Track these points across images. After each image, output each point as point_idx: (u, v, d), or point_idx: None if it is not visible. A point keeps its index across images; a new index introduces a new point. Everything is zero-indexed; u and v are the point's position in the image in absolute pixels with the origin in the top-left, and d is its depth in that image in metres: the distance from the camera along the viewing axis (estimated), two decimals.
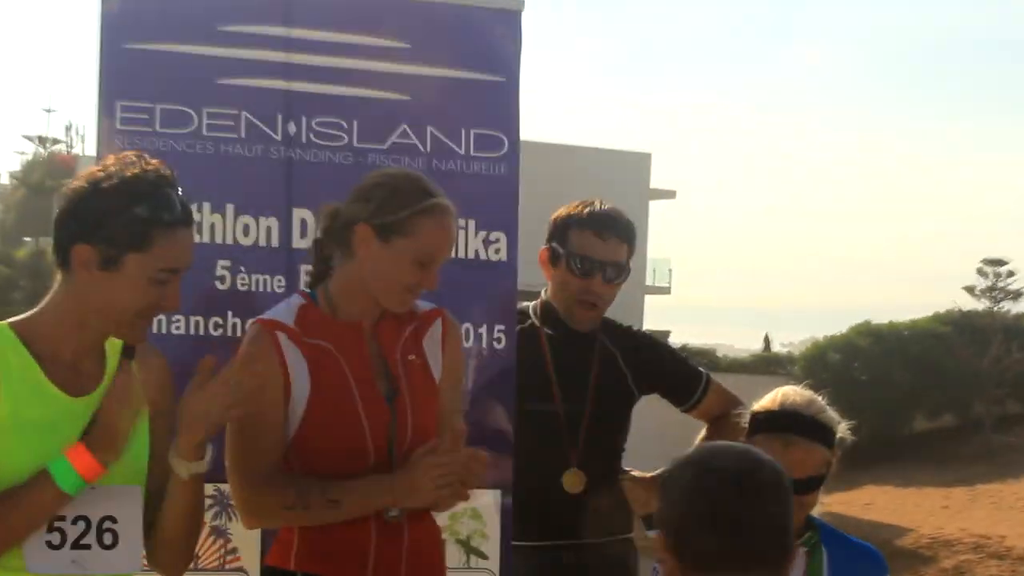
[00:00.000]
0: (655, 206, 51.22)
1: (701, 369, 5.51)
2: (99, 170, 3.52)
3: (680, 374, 5.47)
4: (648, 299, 50.19)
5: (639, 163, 49.47)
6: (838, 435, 4.07)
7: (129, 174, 3.48)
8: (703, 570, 2.91)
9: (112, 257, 3.45)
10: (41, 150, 56.27)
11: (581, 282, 5.19)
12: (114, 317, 3.50)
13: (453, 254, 4.68)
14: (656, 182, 51.81)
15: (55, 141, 58.55)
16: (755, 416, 4.09)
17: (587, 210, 5.24)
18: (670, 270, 58.10)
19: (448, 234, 4.03)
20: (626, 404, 5.36)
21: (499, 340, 4.97)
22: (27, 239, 48.16)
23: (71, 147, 57.71)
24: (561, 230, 5.24)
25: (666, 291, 57.28)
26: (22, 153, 60.44)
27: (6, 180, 59.42)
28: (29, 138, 57.02)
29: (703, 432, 5.39)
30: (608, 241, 5.19)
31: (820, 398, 4.12)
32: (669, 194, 55.00)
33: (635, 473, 5.37)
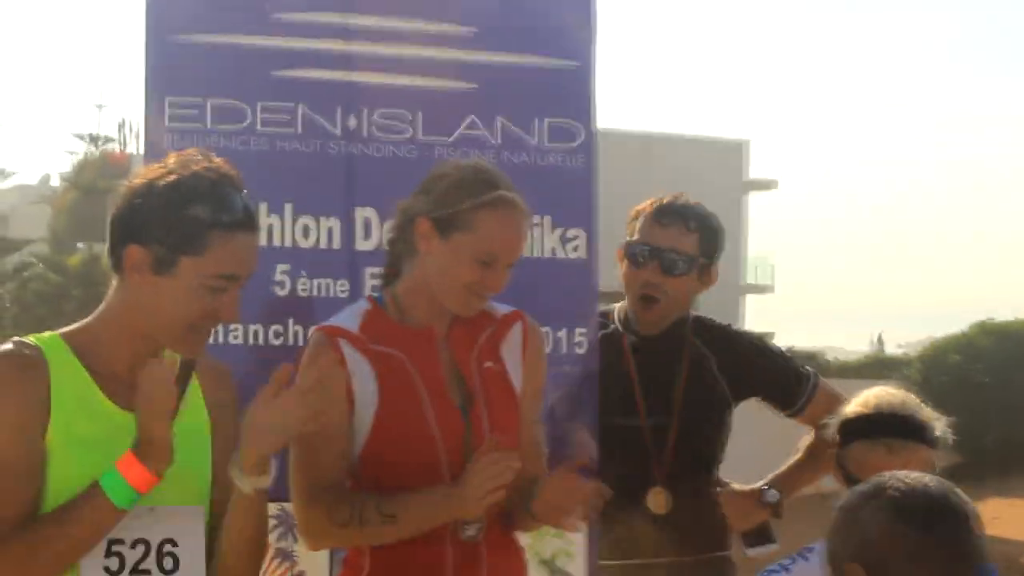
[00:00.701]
0: (754, 198, 51.01)
1: (807, 368, 5.35)
2: (159, 167, 3.48)
3: (783, 376, 5.29)
4: (749, 299, 50.04)
5: (734, 152, 49.19)
6: (938, 433, 4.04)
7: (188, 172, 3.44)
8: None
9: (165, 260, 3.40)
10: (93, 149, 56.12)
11: (638, 273, 5.08)
12: (166, 326, 3.45)
13: (528, 252, 4.69)
14: (755, 172, 51.59)
15: (107, 139, 58.19)
16: (848, 423, 4.07)
17: (663, 203, 5.16)
18: (772, 267, 57.81)
19: (513, 231, 3.91)
20: (719, 414, 5.22)
21: (580, 344, 4.91)
22: (80, 245, 48.50)
23: (124, 145, 57.27)
24: (632, 224, 5.16)
25: (769, 290, 57.04)
26: (72, 153, 60.26)
27: (56, 182, 59.42)
28: (80, 136, 56.92)
29: (807, 439, 5.26)
30: (668, 228, 5.07)
31: (911, 395, 4.12)
32: (770, 184, 54.65)
33: (734, 486, 5.28)
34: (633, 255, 5.08)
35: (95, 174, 54.39)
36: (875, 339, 53.16)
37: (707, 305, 5.30)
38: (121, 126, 57.83)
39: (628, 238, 5.13)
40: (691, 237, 5.09)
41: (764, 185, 53.59)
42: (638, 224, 5.13)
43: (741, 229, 48.35)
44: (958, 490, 2.99)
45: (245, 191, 3.52)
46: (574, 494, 3.80)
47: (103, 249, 3.69)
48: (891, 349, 51.35)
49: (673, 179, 4.97)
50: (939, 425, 4.05)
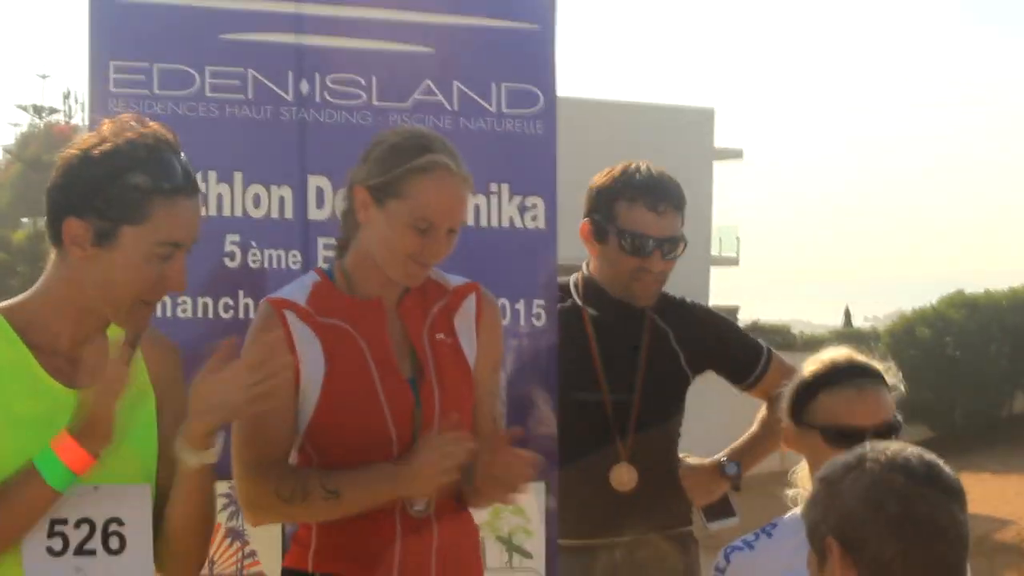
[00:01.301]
0: (719, 168, 51.00)
1: (762, 342, 5.42)
2: (92, 136, 3.48)
3: (738, 349, 5.36)
4: (714, 271, 50.11)
5: (701, 120, 48.81)
6: (893, 380, 4.11)
7: (123, 139, 3.43)
8: None
9: (106, 231, 3.40)
10: (37, 121, 56.07)
11: (637, 261, 5.08)
12: (112, 300, 3.45)
13: (485, 222, 4.82)
14: (720, 141, 51.62)
15: (52, 111, 58.00)
16: (811, 378, 4.07)
17: (637, 178, 5.12)
18: (738, 238, 57.92)
19: (449, 195, 3.89)
20: (680, 388, 5.28)
21: (538, 316, 4.91)
22: (24, 220, 48.42)
23: (70, 117, 57.27)
24: (606, 202, 5.13)
25: (734, 262, 57.22)
26: (16, 125, 60.28)
27: (0, 156, 59.46)
28: (23, 108, 56.72)
29: (762, 411, 5.32)
30: (663, 215, 5.09)
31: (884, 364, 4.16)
32: (735, 154, 54.72)
33: (692, 461, 5.32)
34: (627, 245, 5.07)
35: (40, 147, 54.11)
36: (843, 312, 53.54)
37: (675, 279, 5.29)
38: (66, 96, 57.65)
39: (596, 216, 5.11)
40: (679, 218, 5.15)
41: (730, 155, 53.65)
42: (621, 206, 5.08)
43: (710, 204, 48.56)
44: (942, 463, 2.97)
45: (183, 155, 3.50)
46: (514, 467, 3.81)
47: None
48: (859, 322, 51.84)
49: (640, 148, 4.95)
50: (892, 373, 4.10)
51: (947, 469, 2.95)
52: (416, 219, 3.83)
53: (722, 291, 49.55)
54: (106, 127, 3.48)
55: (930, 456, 2.95)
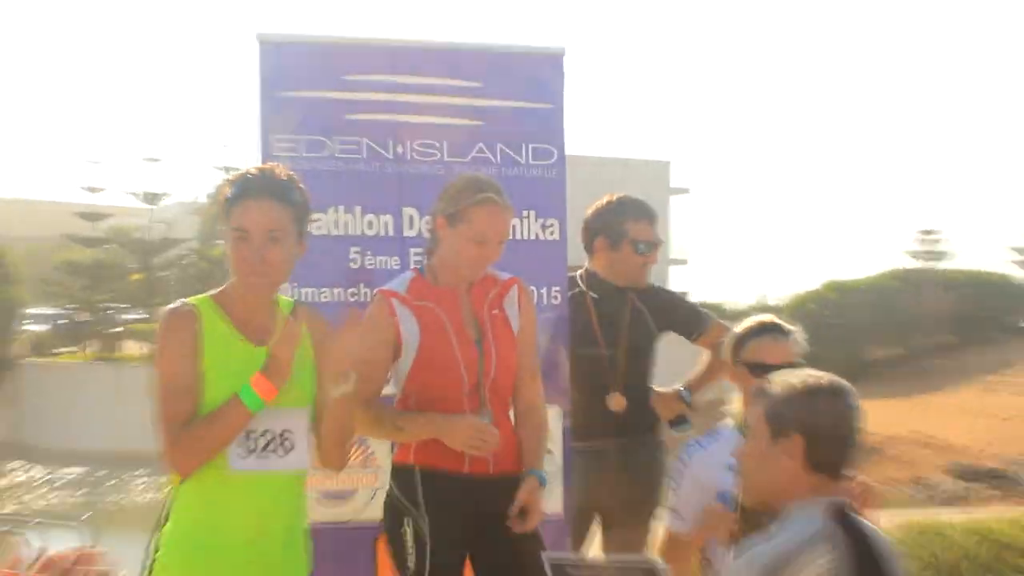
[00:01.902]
0: (674, 199, 50.95)
1: (704, 310, 5.46)
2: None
3: (689, 314, 5.39)
4: (672, 269, 49.88)
5: (660, 168, 49.10)
6: (796, 335, 4.15)
7: (235, 175, 3.53)
8: (824, 472, 2.90)
9: (227, 229, 3.50)
10: (227, 176, 57.19)
11: (644, 259, 5.22)
12: (235, 273, 3.48)
13: (521, 236, 4.81)
14: (674, 182, 51.54)
15: (234, 169, 59.82)
16: (743, 334, 4.12)
17: (635, 205, 5.28)
18: (686, 247, 57.67)
19: (497, 219, 3.92)
20: (651, 341, 5.28)
21: (555, 297, 4.93)
22: (219, 241, 48.66)
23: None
24: (617, 221, 5.21)
25: (685, 263, 56.80)
26: (212, 179, 61.47)
27: (203, 199, 60.50)
28: (217, 168, 57.59)
29: (705, 356, 5.33)
30: (654, 225, 5.27)
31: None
32: (684, 191, 54.48)
33: (660, 389, 5.34)
34: (639, 249, 5.19)
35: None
36: (757, 295, 53.40)
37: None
38: (243, 161, 58.94)
39: (608, 233, 5.19)
40: (656, 227, 5.30)
41: (681, 191, 53.53)
42: (630, 223, 5.19)
43: (667, 226, 48.54)
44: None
45: (270, 175, 3.47)
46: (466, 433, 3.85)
47: None
48: (770, 301, 51.50)
49: (620, 188, 5.00)
50: (799, 333, 4.14)
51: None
52: (476, 236, 3.87)
53: (677, 282, 49.31)
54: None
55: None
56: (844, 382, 3.04)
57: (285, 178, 3.48)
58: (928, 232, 48.44)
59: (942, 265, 48.39)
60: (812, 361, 4.04)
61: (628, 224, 5.19)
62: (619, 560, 3.89)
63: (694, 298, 5.40)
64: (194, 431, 3.34)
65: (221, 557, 3.38)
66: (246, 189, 3.41)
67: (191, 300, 3.51)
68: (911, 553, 9.36)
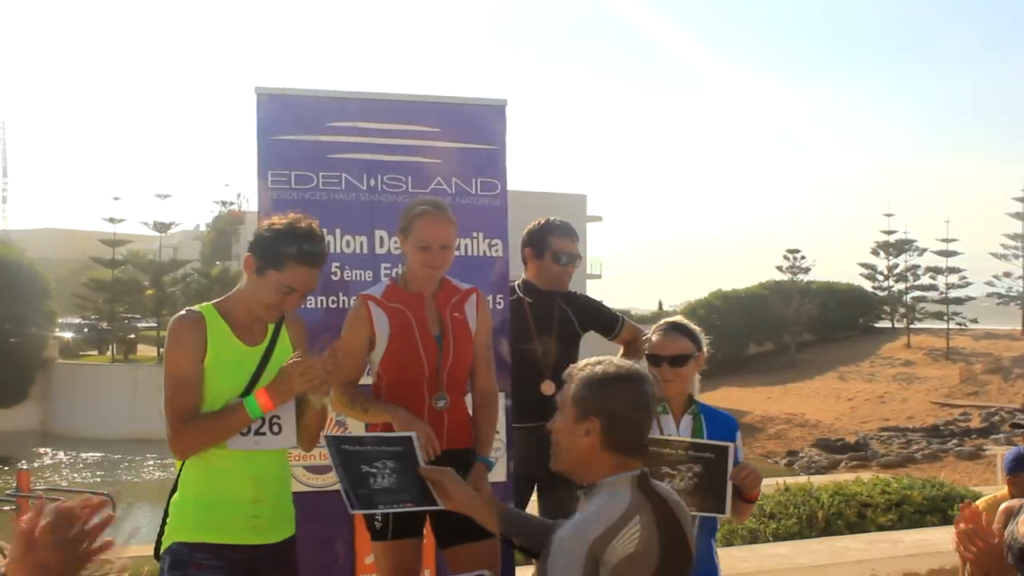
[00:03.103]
0: (590, 226, 51.29)
1: (619, 314, 5.47)
2: (276, 218, 3.50)
3: (606, 318, 5.40)
4: (589, 282, 50.18)
5: (578, 201, 49.44)
6: (700, 339, 3.97)
7: (290, 222, 3.44)
8: (622, 452, 2.73)
9: (261, 268, 3.41)
10: (223, 209, 57.57)
11: (562, 269, 5.23)
12: (257, 304, 3.44)
13: (472, 253, 4.76)
14: (590, 211, 52.02)
15: (230, 203, 60.55)
16: (653, 331, 3.99)
17: (558, 224, 5.27)
18: (601, 264, 58.09)
19: (433, 227, 3.85)
20: (576, 337, 5.26)
21: (500, 303, 4.89)
22: (217, 263, 48.48)
23: (240, 206, 60.14)
24: (542, 237, 5.23)
25: (599, 277, 57.20)
26: (211, 211, 62.51)
27: (204, 228, 60.84)
28: (216, 202, 58.57)
29: (622, 350, 5.31)
30: (573, 241, 5.27)
31: (690, 324, 4.03)
32: (598, 218, 55.04)
33: None
34: (560, 260, 5.20)
35: (225, 223, 55.50)
36: (657, 302, 53.98)
37: (572, 284, 5.45)
38: (239, 196, 59.70)
39: (535, 245, 5.20)
40: (576, 243, 5.30)
41: (596, 219, 53.95)
42: (555, 238, 5.20)
43: (585, 246, 48.88)
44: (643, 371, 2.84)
45: (322, 243, 3.47)
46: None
47: (231, 267, 3.43)
48: (667, 307, 52.01)
49: (547, 215, 5.01)
50: (701, 336, 3.98)
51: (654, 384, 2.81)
52: (419, 242, 3.84)
53: (593, 293, 49.74)
54: (288, 216, 3.48)
55: (643, 369, 2.83)
56: (643, 370, 2.82)
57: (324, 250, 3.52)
58: (793, 251, 49.30)
59: (804, 278, 49.07)
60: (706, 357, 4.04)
61: (552, 239, 5.20)
62: (698, 442, 3.73)
63: (608, 306, 5.44)
64: (200, 425, 3.32)
65: (224, 516, 3.37)
66: (303, 256, 3.41)
67: (197, 307, 3.48)
68: (789, 512, 9.51)
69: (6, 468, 29.89)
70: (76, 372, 41.21)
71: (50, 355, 41.99)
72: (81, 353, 45.94)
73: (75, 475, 31.01)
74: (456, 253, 4.01)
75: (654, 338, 3.92)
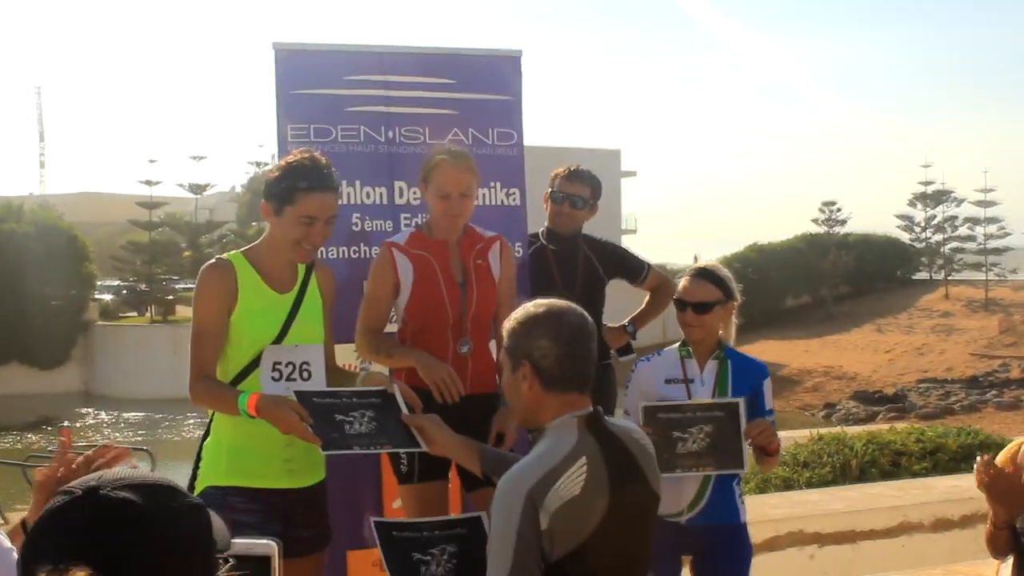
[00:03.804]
0: (625, 182, 50.83)
1: (645, 260, 5.45)
2: (284, 159, 3.57)
3: (632, 264, 5.38)
4: (625, 237, 49.96)
5: (612, 156, 48.76)
6: (730, 286, 3.94)
7: (292, 159, 3.48)
8: (561, 389, 2.67)
9: (278, 208, 3.46)
10: (257, 170, 57.85)
11: (558, 208, 5.16)
12: (284, 244, 3.48)
13: (489, 202, 4.79)
14: (624, 166, 51.37)
15: (264, 164, 61.01)
16: (680, 276, 4.01)
17: (570, 169, 5.21)
18: (636, 219, 57.67)
19: (451, 176, 3.85)
20: (601, 286, 5.25)
21: (518, 251, 4.89)
22: (253, 224, 48.79)
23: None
24: (552, 181, 5.20)
25: (634, 232, 56.92)
26: (247, 172, 62.67)
27: (239, 190, 61.14)
28: (250, 163, 58.74)
29: (648, 297, 5.34)
30: (575, 183, 5.16)
31: (721, 270, 3.99)
32: (632, 173, 54.45)
33: (609, 324, 5.35)
34: (556, 198, 5.13)
35: (259, 185, 55.69)
36: (692, 256, 53.92)
37: (606, 236, 5.44)
38: (272, 157, 59.21)
39: (551, 189, 5.16)
40: (588, 189, 5.17)
41: (630, 174, 53.40)
42: (557, 180, 5.16)
43: (620, 201, 48.57)
44: (572, 305, 2.78)
45: (327, 168, 3.49)
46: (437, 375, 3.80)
47: (266, 225, 3.53)
48: (703, 262, 51.73)
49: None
50: (731, 282, 3.95)
51: (588, 320, 2.75)
52: (438, 191, 3.86)
53: (628, 248, 49.53)
54: (294, 153, 3.55)
55: (581, 312, 2.76)
56: (565, 305, 2.74)
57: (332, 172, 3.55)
58: (829, 203, 48.71)
59: (841, 230, 48.59)
60: (739, 309, 4.04)
61: (556, 181, 5.16)
62: (705, 402, 3.74)
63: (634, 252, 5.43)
64: (208, 389, 3.41)
65: (257, 460, 3.44)
66: (311, 184, 3.46)
67: (226, 255, 3.53)
68: (823, 461, 9.52)
69: (49, 428, 30.45)
70: (116, 333, 41.72)
71: (90, 317, 42.50)
72: (121, 315, 46.41)
73: (116, 434, 31.50)
74: (475, 203, 4.03)
75: (682, 283, 3.92)
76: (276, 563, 1.89)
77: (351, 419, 3.39)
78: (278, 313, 3.46)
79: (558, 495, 2.49)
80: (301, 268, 3.58)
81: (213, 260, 3.50)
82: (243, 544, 1.87)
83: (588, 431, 2.63)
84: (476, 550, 3.11)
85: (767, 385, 3.87)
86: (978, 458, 3.31)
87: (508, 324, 2.75)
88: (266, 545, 1.90)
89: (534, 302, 2.78)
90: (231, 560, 1.53)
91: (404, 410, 3.42)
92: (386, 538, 3.28)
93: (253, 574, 1.75)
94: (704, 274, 3.92)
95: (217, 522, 1.53)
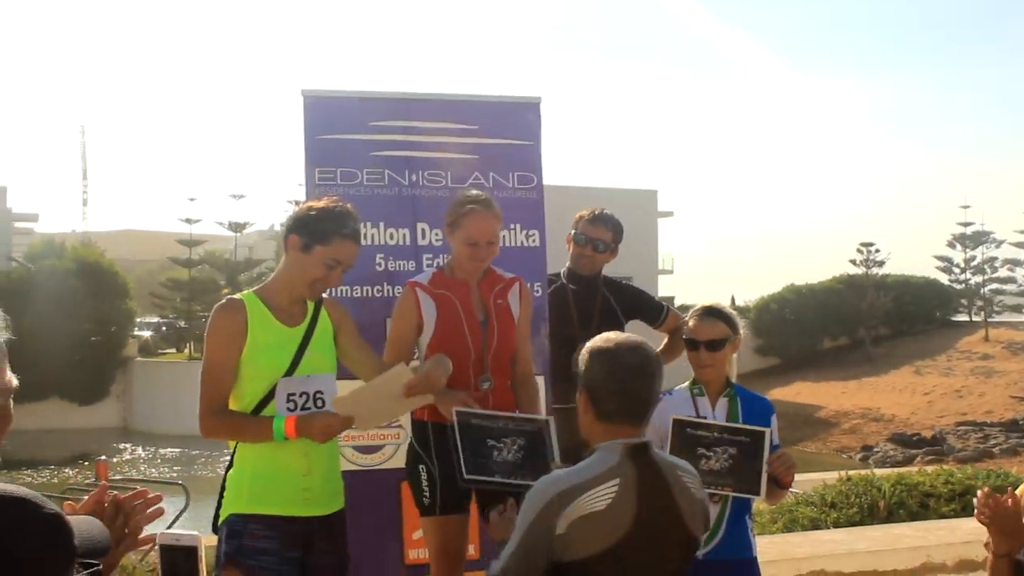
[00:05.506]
0: (662, 222, 50.72)
1: (664, 303, 5.46)
2: (314, 201, 3.69)
3: (651, 306, 5.40)
4: (661, 278, 49.76)
5: (649, 197, 48.72)
6: (736, 322, 4.02)
7: (332, 205, 3.61)
8: (610, 420, 2.77)
9: (308, 244, 3.57)
10: (295, 206, 58.46)
11: (580, 249, 5.20)
12: (301, 281, 3.59)
13: (510, 244, 4.83)
14: (661, 207, 51.20)
15: (301, 201, 62.03)
16: (689, 316, 4.06)
17: (596, 213, 5.24)
18: (673, 259, 57.25)
19: (481, 224, 3.94)
20: (619, 326, 5.17)
21: (537, 291, 4.95)
22: None
23: None
24: (575, 223, 5.24)
25: (670, 272, 56.65)
26: (285, 211, 63.13)
27: (278, 227, 61.75)
28: (289, 201, 58.88)
29: (665, 340, 5.35)
30: (597, 227, 5.19)
31: (726, 308, 4.08)
32: (669, 214, 54.25)
33: None
34: (579, 240, 5.17)
35: None
36: (729, 297, 53.36)
37: (639, 281, 5.46)
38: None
39: (574, 231, 5.19)
40: (610, 234, 5.20)
41: (667, 215, 53.22)
42: (581, 223, 5.20)
43: (656, 241, 48.52)
44: (644, 344, 2.84)
45: (359, 223, 3.64)
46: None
47: None
48: (740, 302, 51.40)
49: (616, 213, 4.90)
50: (738, 320, 4.03)
51: (652, 358, 2.80)
52: (467, 238, 3.95)
53: (665, 289, 49.14)
54: (317, 201, 3.67)
55: (645, 350, 2.80)
56: (629, 343, 2.81)
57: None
58: (867, 244, 48.32)
59: (879, 271, 48.19)
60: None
61: (579, 223, 5.20)
62: (734, 426, 3.82)
63: (678, 301, 5.44)
64: (231, 421, 3.51)
65: (277, 488, 3.52)
66: (349, 232, 3.60)
67: (239, 295, 3.65)
68: (851, 502, 9.49)
69: (86, 463, 30.74)
70: (155, 370, 41.98)
71: (129, 353, 42.80)
72: (159, 351, 46.70)
73: (152, 469, 31.69)
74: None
75: (690, 323, 3.97)
76: (202, 552, 2.07)
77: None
78: (289, 346, 3.54)
79: (582, 506, 2.61)
80: (310, 302, 3.69)
81: (224, 301, 3.61)
82: (171, 535, 2.16)
83: (630, 458, 2.71)
84: (540, 447, 3.61)
85: (774, 421, 3.95)
86: (979, 492, 3.37)
87: (582, 352, 2.88)
88: (192, 536, 2.12)
89: (603, 336, 2.87)
90: (96, 564, 1.59)
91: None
92: (464, 424, 3.58)
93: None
94: (712, 312, 3.99)
95: (90, 528, 1.57)
